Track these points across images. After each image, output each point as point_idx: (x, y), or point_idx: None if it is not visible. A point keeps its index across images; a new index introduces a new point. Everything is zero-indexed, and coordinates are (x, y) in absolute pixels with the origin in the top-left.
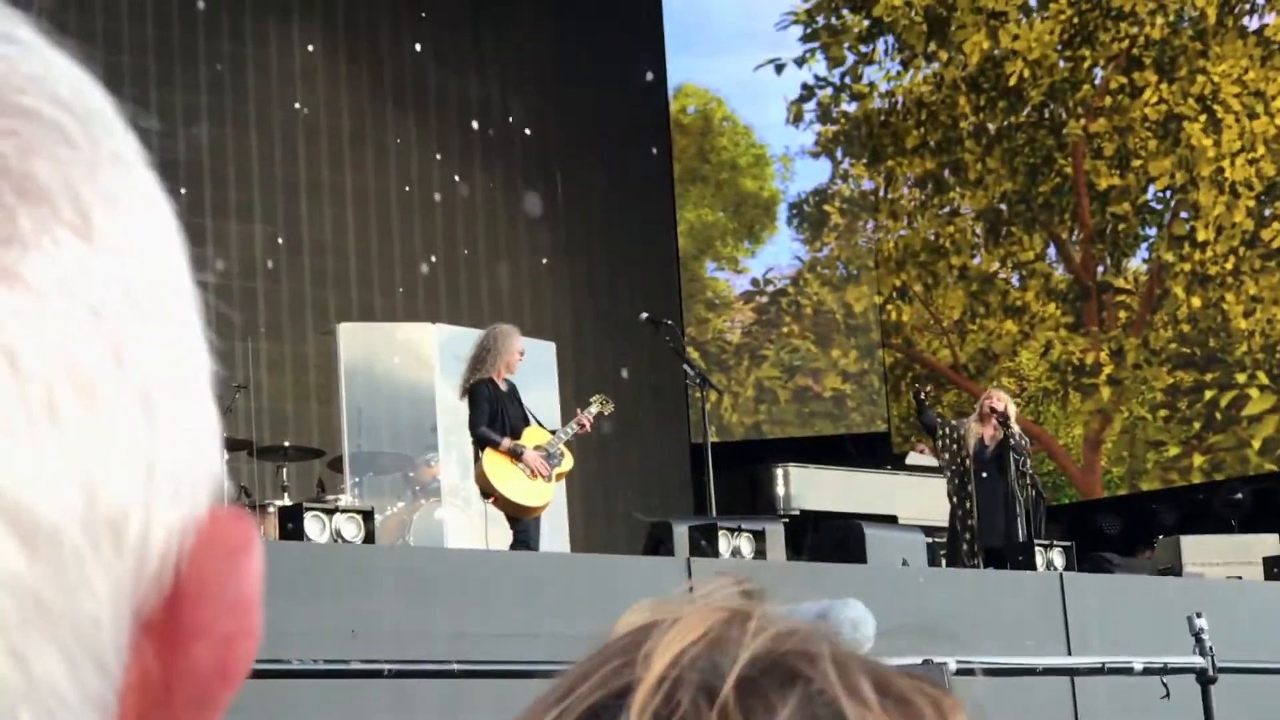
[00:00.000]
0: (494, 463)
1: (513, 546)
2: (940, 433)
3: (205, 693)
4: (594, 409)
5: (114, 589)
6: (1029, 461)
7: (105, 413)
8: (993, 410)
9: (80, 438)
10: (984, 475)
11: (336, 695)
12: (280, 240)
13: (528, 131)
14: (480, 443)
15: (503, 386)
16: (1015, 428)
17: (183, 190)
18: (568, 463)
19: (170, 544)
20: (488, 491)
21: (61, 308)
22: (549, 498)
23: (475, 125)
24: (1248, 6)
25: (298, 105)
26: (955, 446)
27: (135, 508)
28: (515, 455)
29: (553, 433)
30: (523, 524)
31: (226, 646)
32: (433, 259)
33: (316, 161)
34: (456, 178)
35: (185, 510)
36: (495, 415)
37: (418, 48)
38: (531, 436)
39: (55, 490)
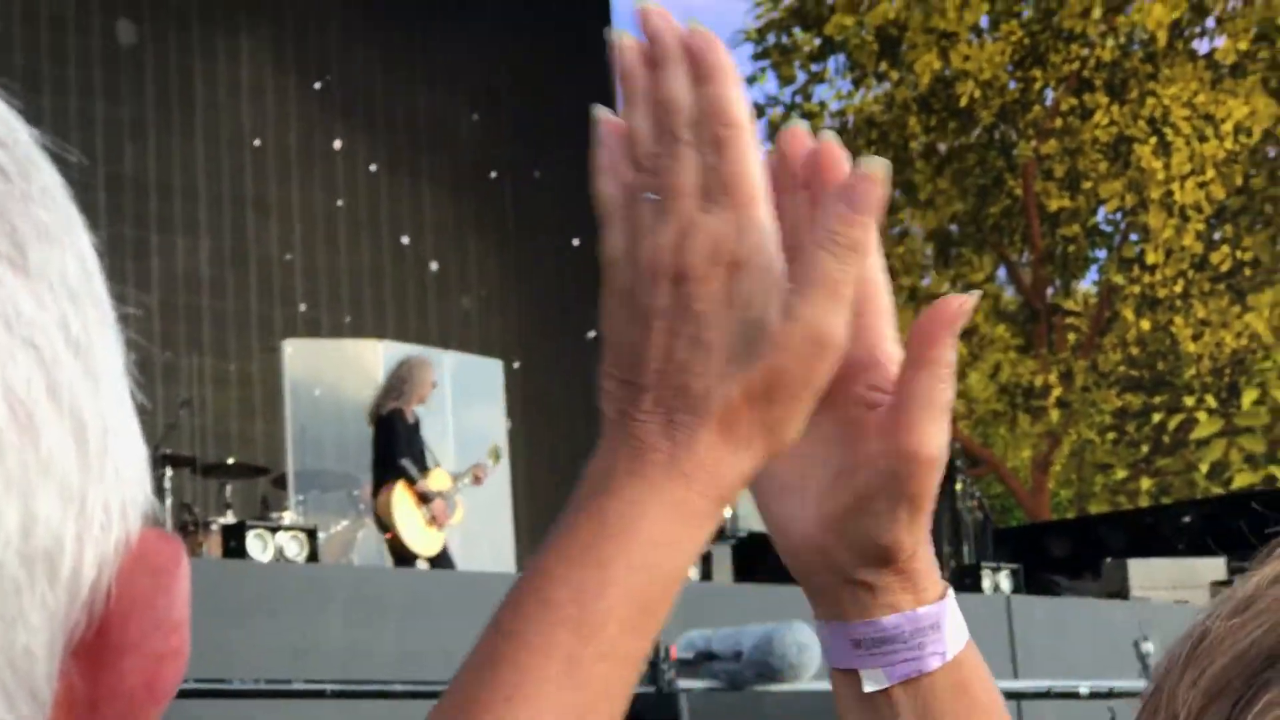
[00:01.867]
0: (401, 499)
1: None
2: None
3: (133, 710)
4: (489, 461)
5: (48, 620)
6: (971, 482)
7: (42, 445)
8: None
9: (18, 470)
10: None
11: (280, 715)
12: (226, 255)
13: (477, 148)
14: (395, 474)
15: (410, 419)
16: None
17: (129, 203)
18: (458, 515)
19: (101, 573)
20: (386, 526)
21: (0, 341)
22: (436, 549)
23: (424, 142)
24: (1198, 30)
25: (244, 119)
26: None
27: (69, 539)
28: (424, 498)
29: (454, 478)
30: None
31: (155, 664)
32: (380, 274)
33: (263, 176)
34: (404, 194)
35: (115, 538)
36: (411, 449)
37: (366, 63)
38: (436, 480)
39: None
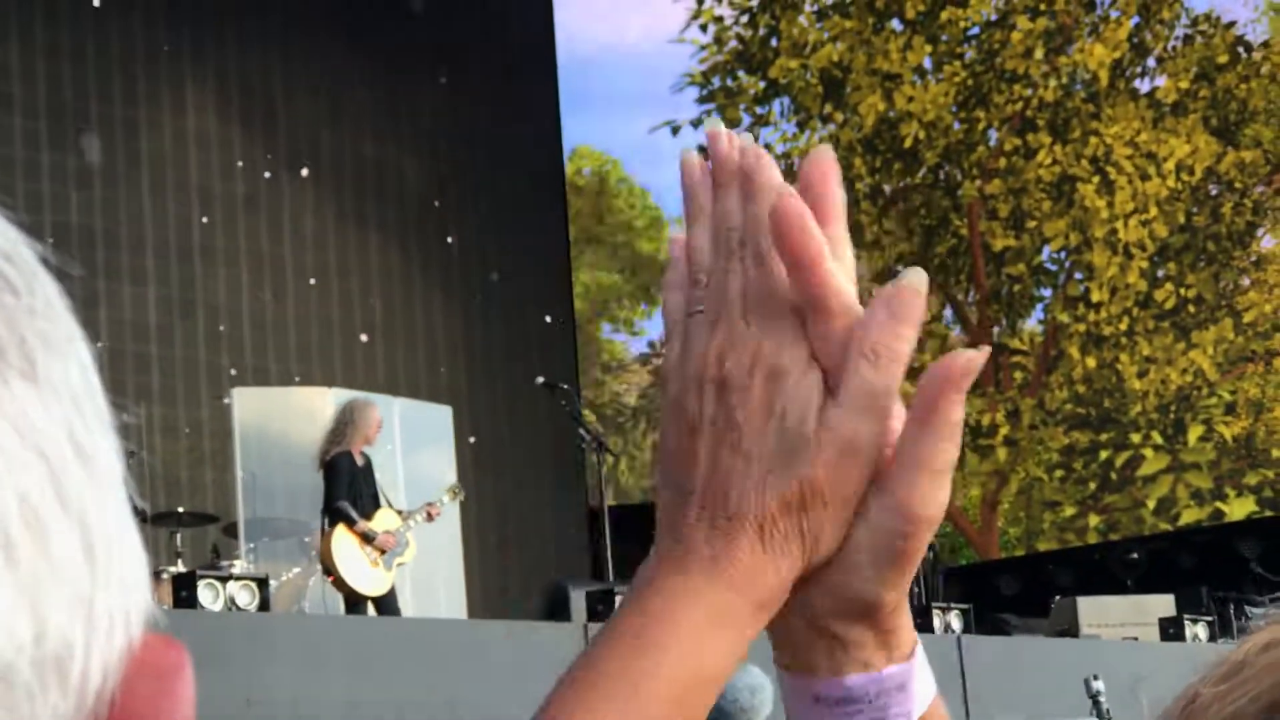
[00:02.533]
0: (341, 541)
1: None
2: None
3: None
4: (446, 498)
5: None
6: None
7: (53, 553)
8: None
9: (30, 577)
10: None
11: None
12: (174, 304)
13: (422, 194)
14: (334, 517)
15: (359, 460)
16: None
17: (76, 252)
18: (410, 553)
19: (107, 678)
20: (329, 569)
21: (15, 452)
22: (385, 588)
23: (370, 187)
24: (1139, 70)
25: (191, 169)
26: None
27: (78, 646)
28: (367, 538)
29: (402, 516)
30: (356, 607)
31: None
32: (328, 322)
33: (210, 225)
34: (350, 241)
35: (120, 643)
36: (352, 491)
37: (312, 112)
38: (382, 520)
39: (10, 628)
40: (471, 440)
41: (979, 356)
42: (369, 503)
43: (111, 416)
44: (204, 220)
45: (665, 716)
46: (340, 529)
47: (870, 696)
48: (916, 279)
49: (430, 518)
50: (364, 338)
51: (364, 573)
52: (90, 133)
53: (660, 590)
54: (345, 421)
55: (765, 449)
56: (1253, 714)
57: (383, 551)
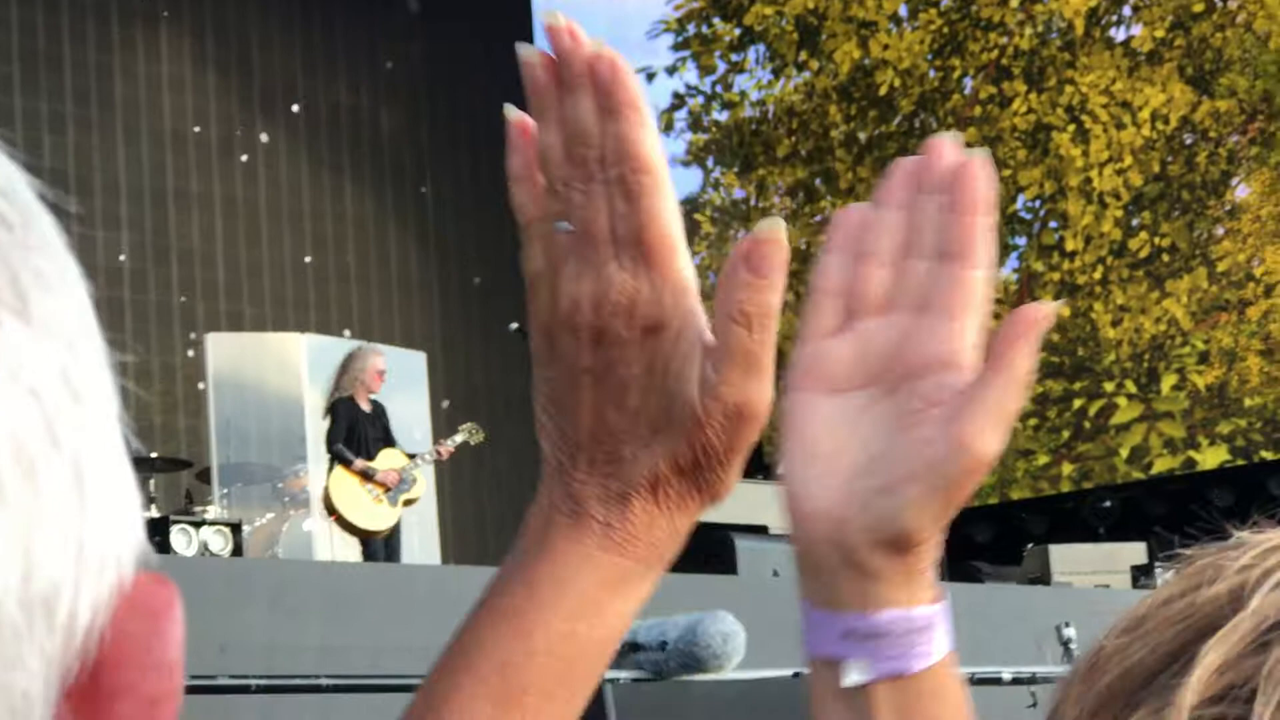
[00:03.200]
0: (340, 481)
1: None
2: None
3: None
4: (459, 437)
5: (45, 665)
6: None
7: (43, 492)
8: None
9: (21, 516)
10: None
11: (204, 711)
12: (148, 250)
13: (396, 141)
14: (332, 460)
15: (365, 407)
16: None
17: (49, 197)
18: (418, 489)
19: (96, 617)
20: (330, 509)
21: (5, 390)
22: (389, 523)
23: (345, 135)
24: (1115, 18)
25: (164, 114)
26: None
27: (66, 585)
28: (366, 476)
29: (411, 457)
30: (371, 545)
31: (148, 707)
32: (303, 268)
33: (184, 170)
34: (325, 187)
35: (110, 582)
36: (352, 434)
37: (287, 58)
38: (386, 459)
39: None
40: (445, 404)
41: (1053, 309)
42: (374, 445)
43: (108, 356)
44: (177, 166)
45: (547, 691)
46: (339, 470)
47: (899, 633)
48: (773, 228)
49: (440, 456)
50: (309, 267)
51: (366, 509)
52: None
53: (551, 557)
54: (346, 369)
55: (650, 407)
56: (1151, 664)
57: (386, 489)
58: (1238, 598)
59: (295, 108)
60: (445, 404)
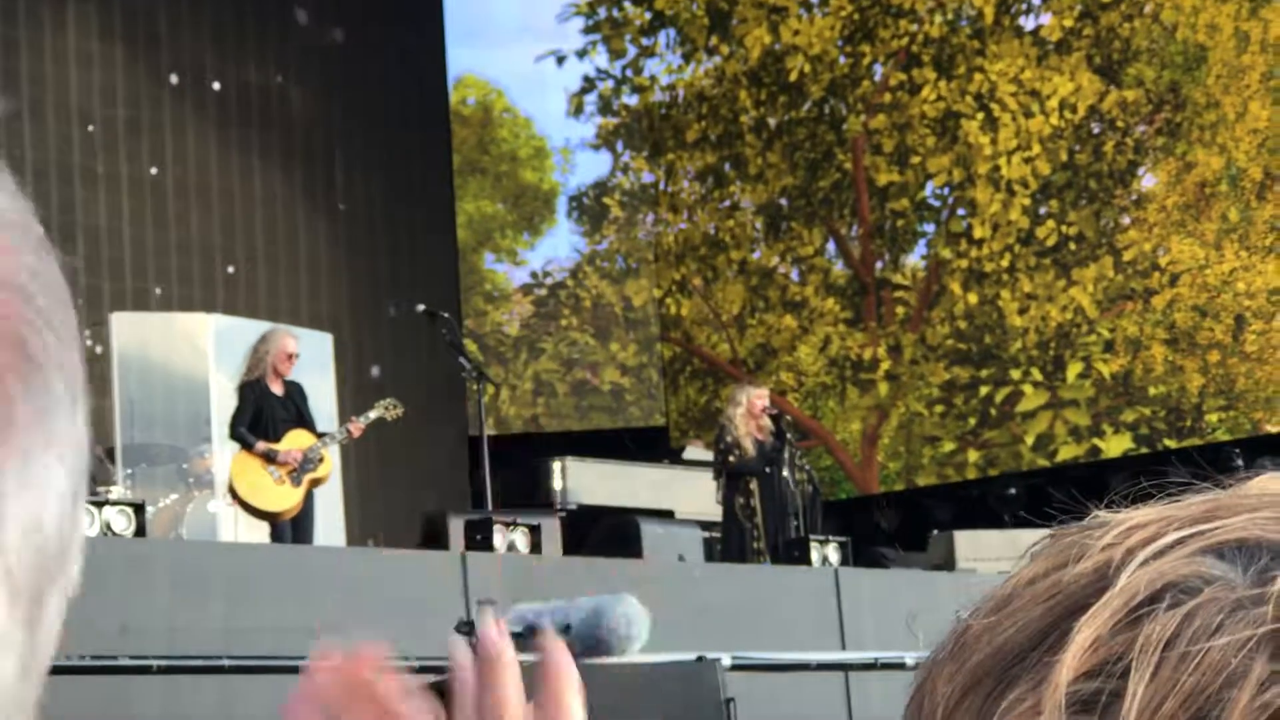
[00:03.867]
0: (241, 465)
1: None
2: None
3: None
4: (374, 414)
5: None
6: (801, 454)
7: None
8: (764, 410)
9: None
10: (767, 471)
11: (105, 692)
12: (54, 228)
13: (306, 120)
14: (237, 443)
15: (276, 389)
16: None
17: None
18: (325, 468)
19: None
20: (233, 492)
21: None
22: (289, 504)
23: (254, 113)
24: (1024, 7)
25: (71, 90)
26: (728, 442)
27: None
28: (269, 458)
29: (319, 436)
30: (278, 527)
31: None
32: (211, 248)
33: (90, 148)
34: (234, 166)
35: None
36: (258, 417)
37: (195, 33)
38: (294, 440)
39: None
40: (375, 371)
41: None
42: (282, 427)
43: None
44: (83, 144)
45: None
46: (239, 454)
47: None
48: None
49: (351, 435)
50: (230, 269)
51: (268, 491)
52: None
53: None
54: (253, 352)
55: None
56: (1022, 641)
57: (290, 469)
58: (1104, 575)
59: (216, 85)
60: (375, 372)
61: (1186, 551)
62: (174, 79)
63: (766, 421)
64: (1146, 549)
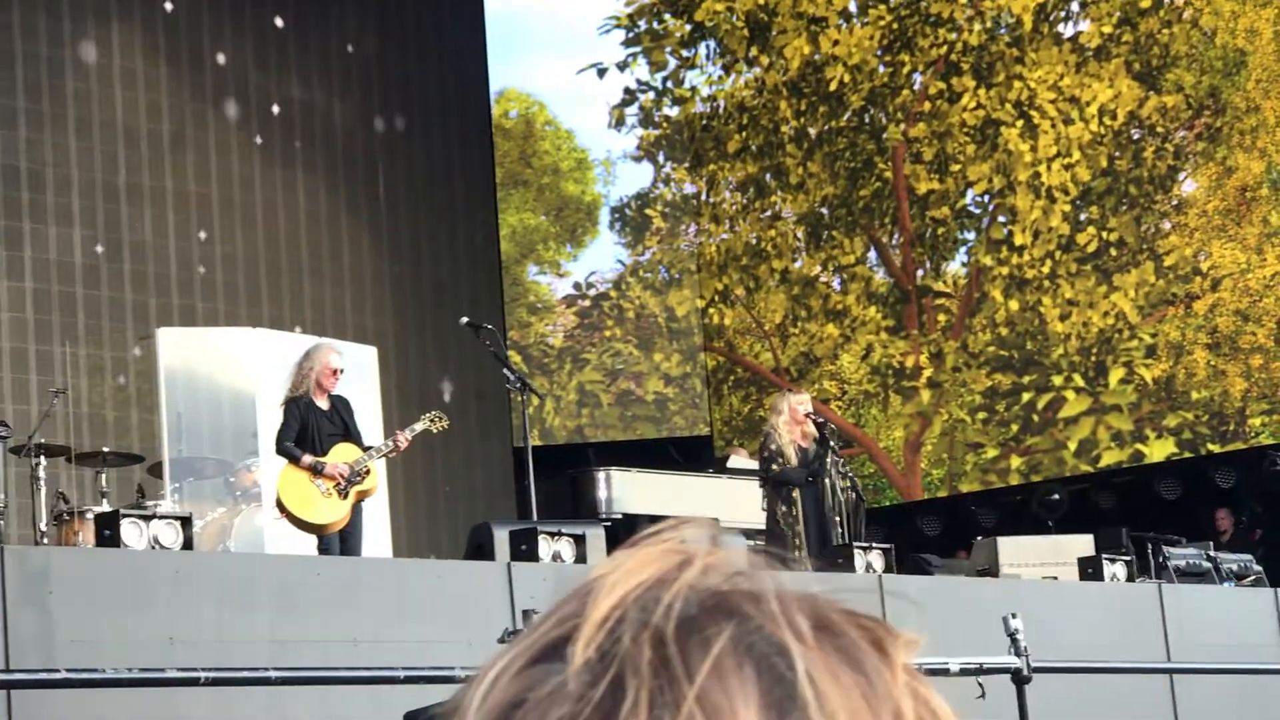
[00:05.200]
0: (287, 479)
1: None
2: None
3: None
4: (420, 426)
5: None
6: (844, 462)
7: None
8: (808, 415)
9: None
10: (809, 480)
11: (153, 704)
12: (100, 245)
13: (349, 135)
14: (283, 458)
15: (322, 404)
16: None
17: (0, 192)
18: (370, 482)
19: None
20: (280, 507)
21: None
22: (336, 516)
23: (297, 128)
24: (1063, 14)
25: (117, 108)
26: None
27: None
28: (315, 471)
29: (365, 449)
30: (325, 540)
31: None
32: (255, 263)
33: (136, 165)
34: (277, 181)
35: None
36: (303, 432)
37: (238, 50)
38: (340, 453)
39: None
40: (446, 393)
41: None
42: (329, 441)
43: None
44: (129, 160)
45: None
46: (286, 468)
47: None
48: None
49: (398, 448)
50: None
51: (315, 503)
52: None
53: None
54: (298, 368)
55: None
56: None
57: (336, 482)
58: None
59: (275, 108)
60: (447, 395)
61: (511, 672)
62: (218, 96)
63: (810, 428)
64: (481, 688)
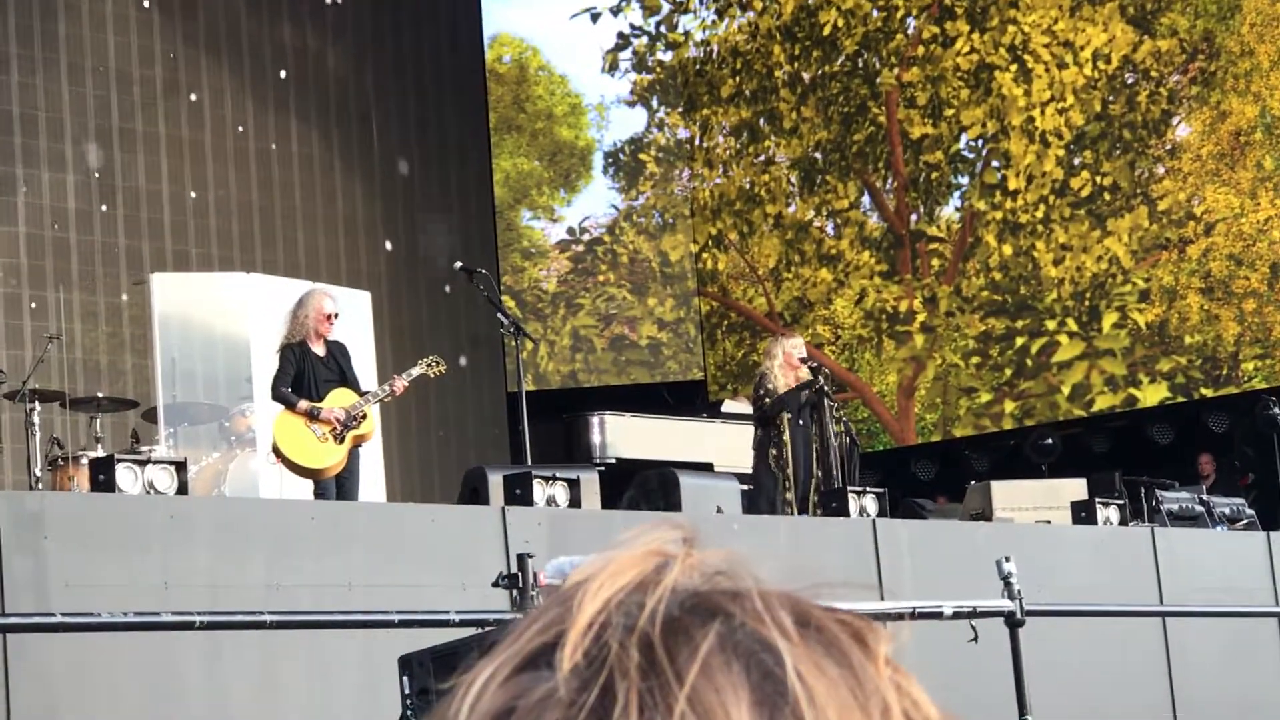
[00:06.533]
0: (283, 424)
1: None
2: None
3: None
4: (417, 371)
5: None
6: (838, 407)
7: None
8: (802, 360)
9: None
10: (800, 423)
11: (148, 647)
12: (93, 189)
13: (342, 80)
14: (279, 403)
15: (318, 349)
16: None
17: None
18: (367, 426)
19: None
20: (276, 451)
21: None
22: (332, 461)
23: (289, 74)
24: None
25: (109, 52)
26: (767, 389)
27: None
28: (311, 416)
29: (362, 394)
30: (321, 484)
31: None
32: (248, 208)
33: (129, 110)
34: (271, 127)
35: None
36: (299, 378)
37: None
38: (337, 398)
39: None
40: (389, 325)
41: None
42: (325, 387)
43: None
44: (122, 105)
45: None
46: (281, 413)
47: None
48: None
49: (394, 393)
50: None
51: (312, 448)
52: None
53: None
54: (293, 315)
55: None
56: None
57: (332, 426)
58: None
59: (267, 54)
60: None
61: (498, 681)
62: (210, 41)
63: (805, 372)
64: (468, 698)
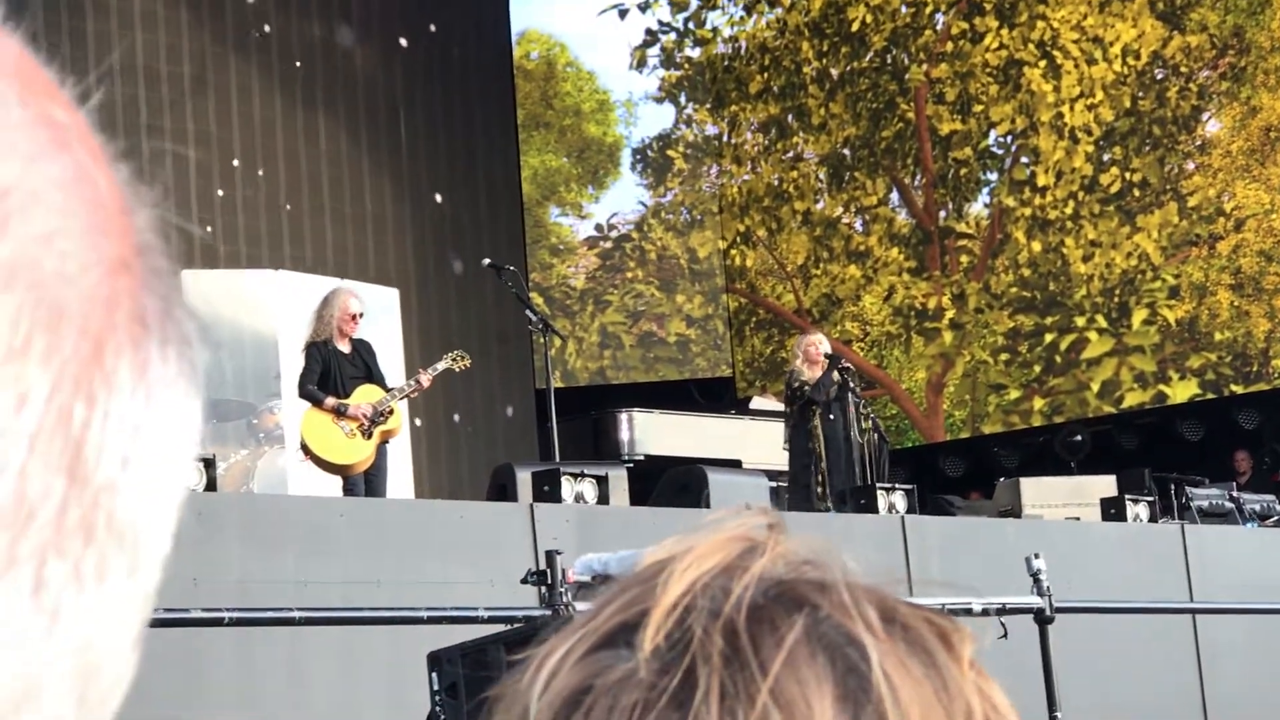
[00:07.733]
0: (311, 421)
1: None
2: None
3: None
4: (442, 365)
5: None
6: (866, 404)
7: None
8: (825, 356)
9: None
10: (830, 417)
11: (178, 644)
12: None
13: (371, 77)
14: (306, 401)
15: (343, 347)
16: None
17: None
18: (394, 421)
19: None
20: (305, 449)
21: None
22: (360, 456)
23: (318, 71)
24: None
25: (138, 49)
26: (794, 390)
27: None
28: (339, 413)
29: (387, 391)
30: (350, 481)
31: None
32: (276, 205)
33: (157, 106)
34: (299, 123)
35: None
36: (325, 375)
37: None
38: (363, 395)
39: None
40: (417, 322)
41: None
42: (351, 384)
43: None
44: (150, 102)
45: None
46: (309, 410)
47: None
48: None
49: (420, 387)
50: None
51: (340, 444)
52: None
53: None
54: (318, 314)
55: None
56: None
57: (359, 423)
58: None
59: (295, 51)
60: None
61: (574, 658)
62: (238, 38)
63: (827, 365)
64: (542, 674)
